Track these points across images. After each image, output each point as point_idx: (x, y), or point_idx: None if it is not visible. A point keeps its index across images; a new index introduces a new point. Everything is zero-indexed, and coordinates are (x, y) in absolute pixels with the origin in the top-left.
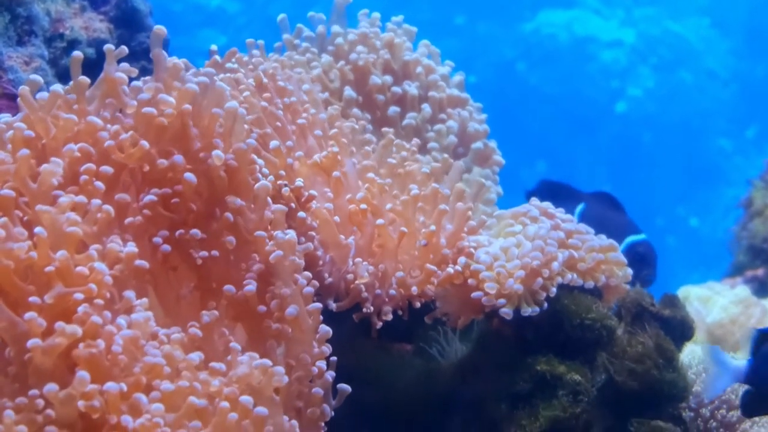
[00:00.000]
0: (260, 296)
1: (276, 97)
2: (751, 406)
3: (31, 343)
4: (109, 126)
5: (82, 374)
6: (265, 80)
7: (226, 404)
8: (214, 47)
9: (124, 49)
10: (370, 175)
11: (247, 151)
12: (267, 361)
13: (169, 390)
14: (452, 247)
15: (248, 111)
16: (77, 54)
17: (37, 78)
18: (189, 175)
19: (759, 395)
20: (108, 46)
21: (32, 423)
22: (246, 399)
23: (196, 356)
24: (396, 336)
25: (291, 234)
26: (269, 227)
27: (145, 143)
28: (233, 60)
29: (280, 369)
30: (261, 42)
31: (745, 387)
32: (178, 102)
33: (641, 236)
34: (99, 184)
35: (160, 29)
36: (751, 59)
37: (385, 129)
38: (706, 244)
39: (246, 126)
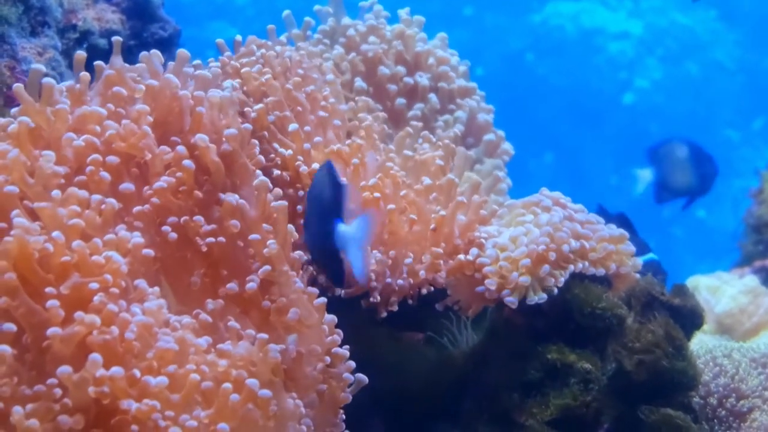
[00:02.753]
0: (265, 290)
1: (301, 83)
2: None
3: (51, 331)
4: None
5: (95, 356)
6: (290, 64)
7: (228, 385)
8: (220, 41)
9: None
10: (389, 164)
11: (240, 135)
12: (263, 335)
13: (178, 373)
14: (464, 237)
15: (268, 94)
16: (80, 54)
17: (40, 67)
18: (188, 162)
19: None
20: (116, 38)
21: (49, 411)
22: (252, 381)
23: (204, 341)
24: (407, 325)
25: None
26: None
27: (147, 128)
28: (258, 46)
29: (275, 345)
30: (272, 27)
31: None
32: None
33: (651, 256)
34: (104, 174)
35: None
36: (757, 50)
37: (411, 118)
38: (714, 235)
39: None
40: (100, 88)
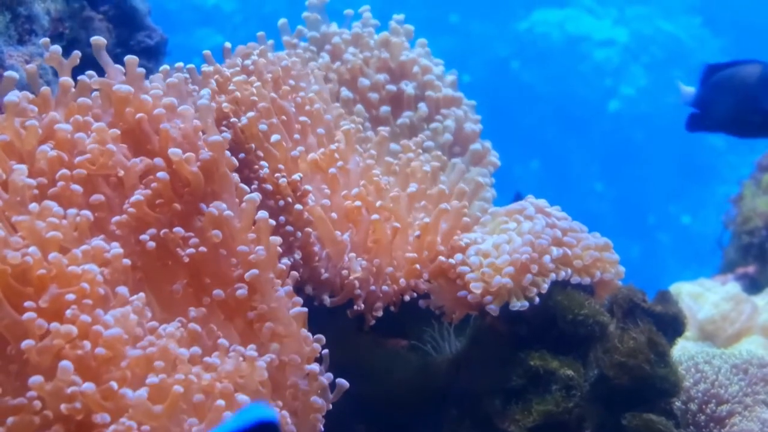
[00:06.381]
0: (250, 298)
1: (289, 92)
2: (693, 125)
3: (25, 344)
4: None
5: (65, 364)
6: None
7: (200, 396)
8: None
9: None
10: (376, 171)
11: (222, 143)
12: (252, 353)
13: (161, 384)
14: (446, 244)
15: (258, 100)
16: (31, 67)
17: (12, 74)
18: (162, 174)
19: (701, 116)
20: (53, 46)
21: (30, 424)
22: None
23: (186, 351)
24: (391, 331)
25: (274, 241)
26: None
27: (111, 146)
28: (256, 53)
29: (262, 363)
30: (261, 34)
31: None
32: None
33: None
34: (76, 187)
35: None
36: (742, 57)
37: (380, 128)
38: (697, 242)
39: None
40: (60, 97)
